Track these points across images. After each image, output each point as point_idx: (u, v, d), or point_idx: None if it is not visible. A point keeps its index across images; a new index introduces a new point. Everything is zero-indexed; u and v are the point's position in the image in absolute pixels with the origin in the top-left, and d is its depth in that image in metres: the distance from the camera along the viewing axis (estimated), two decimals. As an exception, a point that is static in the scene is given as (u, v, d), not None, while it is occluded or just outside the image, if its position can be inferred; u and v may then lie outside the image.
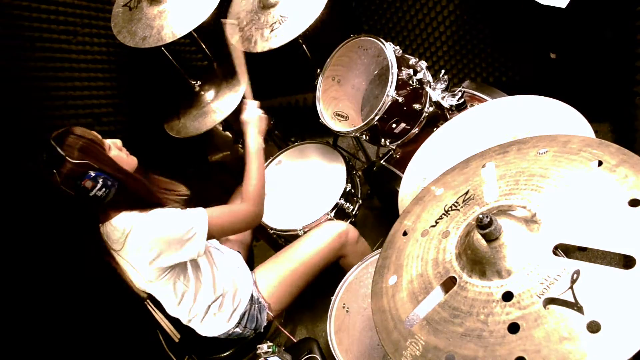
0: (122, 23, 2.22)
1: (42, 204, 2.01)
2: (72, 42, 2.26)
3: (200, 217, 1.67)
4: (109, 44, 2.43)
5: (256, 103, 2.03)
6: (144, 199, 1.67)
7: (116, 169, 1.60)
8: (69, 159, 1.49)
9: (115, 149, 1.66)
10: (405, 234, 1.24)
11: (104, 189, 1.53)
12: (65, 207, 1.61)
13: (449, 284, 1.04)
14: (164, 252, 1.60)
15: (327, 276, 2.08)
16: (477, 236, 1.01)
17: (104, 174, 1.53)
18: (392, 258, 1.20)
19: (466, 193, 1.19)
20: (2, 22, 1.96)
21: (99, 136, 1.63)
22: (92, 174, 1.50)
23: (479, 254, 1.00)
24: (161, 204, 1.69)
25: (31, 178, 1.95)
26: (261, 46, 2.14)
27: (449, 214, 1.18)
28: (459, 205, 1.18)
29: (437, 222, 1.19)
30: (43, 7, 2.11)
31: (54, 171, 1.49)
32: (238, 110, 2.59)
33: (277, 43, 2.10)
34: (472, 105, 1.99)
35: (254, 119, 1.97)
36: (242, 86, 2.07)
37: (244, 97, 2.06)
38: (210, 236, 1.68)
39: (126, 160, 1.69)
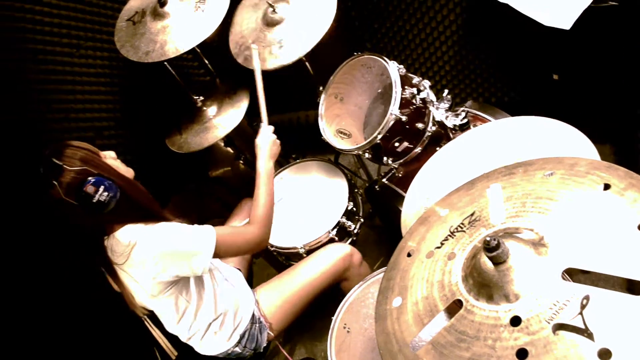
0: (125, 37, 2.23)
1: (41, 217, 2.00)
2: (75, 55, 2.26)
3: (208, 235, 1.65)
4: (111, 57, 2.43)
5: (271, 128, 2.04)
6: (146, 209, 1.66)
7: (115, 174, 1.59)
8: (67, 167, 1.47)
9: (111, 159, 1.65)
10: (409, 255, 1.22)
11: (106, 194, 1.50)
12: (69, 220, 1.59)
13: (455, 307, 1.02)
14: (169, 267, 1.58)
15: (327, 296, 2.06)
16: (484, 259, 1.00)
17: (105, 179, 1.52)
18: (396, 279, 1.19)
19: (472, 214, 1.18)
20: (5, 35, 1.96)
21: (94, 147, 1.63)
22: (92, 179, 1.49)
23: (486, 277, 0.99)
24: (163, 217, 1.67)
25: (32, 189, 1.94)
26: (271, 63, 2.14)
27: (455, 236, 1.16)
28: (465, 226, 1.16)
29: (442, 244, 1.17)
30: (47, 19, 2.11)
31: (54, 182, 1.47)
32: (244, 130, 2.61)
33: (287, 60, 2.12)
34: (475, 126, 1.99)
35: (268, 143, 1.98)
36: (264, 122, 2.07)
37: (260, 121, 2.07)
38: (215, 255, 1.65)
39: (123, 169, 1.68)
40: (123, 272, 1.62)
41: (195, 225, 1.67)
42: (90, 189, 1.48)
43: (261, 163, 1.94)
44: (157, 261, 1.56)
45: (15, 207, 1.96)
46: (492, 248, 0.96)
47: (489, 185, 1.21)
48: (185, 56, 2.83)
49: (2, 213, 1.93)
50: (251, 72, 2.18)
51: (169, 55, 2.11)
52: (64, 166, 1.47)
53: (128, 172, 1.71)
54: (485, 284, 0.99)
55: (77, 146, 1.55)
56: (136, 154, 1.74)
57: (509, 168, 1.22)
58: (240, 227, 1.97)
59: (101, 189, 1.49)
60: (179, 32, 2.15)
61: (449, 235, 1.18)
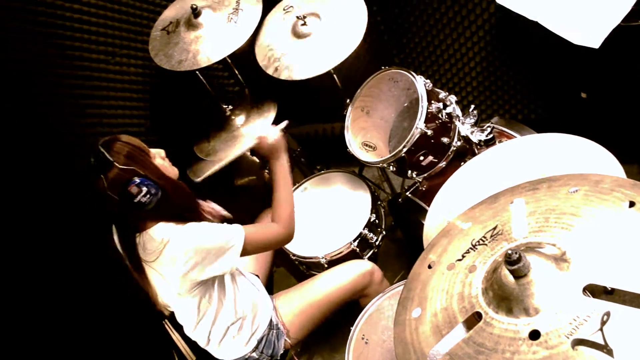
0: (159, 46, 2.29)
1: (67, 217, 2.05)
2: (110, 62, 2.33)
3: (237, 232, 1.69)
4: (145, 65, 2.49)
5: (268, 124, 2.07)
6: (184, 210, 1.70)
7: (161, 176, 1.63)
8: (117, 164, 1.52)
9: (159, 158, 1.69)
10: (430, 267, 1.23)
11: (148, 196, 1.55)
12: (108, 212, 1.64)
13: (474, 319, 1.02)
14: (200, 264, 1.61)
15: (346, 307, 2.07)
16: (505, 272, 1.00)
17: (149, 181, 1.56)
18: (416, 290, 1.19)
19: (494, 228, 1.18)
20: (43, 40, 2.03)
21: (144, 144, 1.67)
22: (137, 180, 1.53)
23: (506, 291, 0.99)
24: (199, 218, 1.71)
25: (62, 188, 2.00)
26: (298, 74, 2.19)
27: (477, 249, 1.17)
28: (487, 240, 1.17)
29: (463, 256, 1.17)
30: (85, 27, 2.18)
31: (102, 176, 1.52)
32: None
33: (315, 72, 2.15)
34: (500, 142, 1.99)
35: (274, 140, 1.96)
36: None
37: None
38: (244, 251, 1.69)
39: (170, 169, 1.72)
40: (152, 269, 1.66)
41: (225, 224, 1.71)
42: (134, 189, 1.52)
43: (273, 163, 1.96)
44: (189, 258, 1.59)
45: (42, 207, 2.01)
46: (513, 261, 0.96)
47: (512, 199, 1.22)
48: (216, 66, 2.90)
49: (29, 212, 1.99)
50: (279, 82, 2.23)
51: (201, 64, 2.16)
52: (114, 162, 1.52)
53: (173, 172, 1.75)
54: (506, 297, 0.99)
55: (125, 141, 1.59)
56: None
57: (533, 183, 1.22)
58: (265, 224, 2.00)
59: (144, 190, 1.54)
60: (212, 43, 2.20)
61: (471, 248, 1.18)
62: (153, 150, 1.69)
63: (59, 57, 2.10)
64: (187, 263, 1.59)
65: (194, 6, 2.22)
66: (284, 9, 2.40)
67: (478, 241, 1.18)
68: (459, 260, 1.18)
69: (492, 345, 0.95)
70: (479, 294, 1.06)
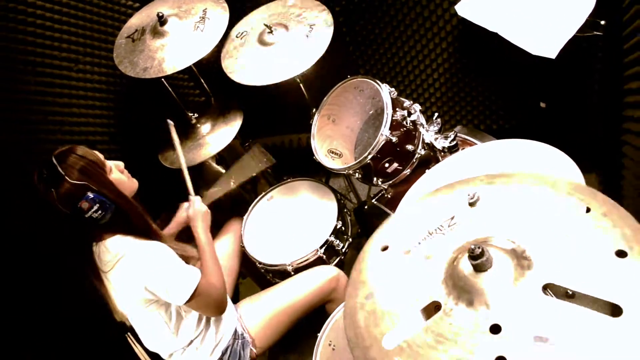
0: (124, 53, 2.28)
1: (25, 223, 2.00)
2: (74, 69, 2.30)
3: (192, 275, 1.64)
4: (109, 73, 2.47)
5: (199, 198, 2.05)
6: (138, 226, 1.66)
7: (115, 192, 1.60)
8: (68, 179, 1.49)
9: (116, 171, 1.66)
10: (385, 249, 1.22)
11: (100, 211, 1.52)
12: (59, 225, 1.60)
13: (433, 308, 1.02)
14: (149, 286, 1.58)
15: (313, 313, 2.06)
16: (466, 265, 1.01)
17: (102, 197, 1.53)
18: (368, 272, 1.18)
19: (452, 218, 1.18)
20: (5, 45, 2.00)
21: (101, 157, 1.64)
22: (91, 195, 1.51)
23: (467, 283, 0.99)
24: (155, 236, 1.68)
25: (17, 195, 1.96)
26: (264, 79, 2.19)
27: (433, 236, 1.16)
28: (444, 229, 1.17)
29: (420, 243, 1.17)
30: (48, 33, 2.16)
31: (52, 190, 1.49)
32: (236, 150, 2.63)
33: (279, 78, 2.16)
34: (463, 149, 2.03)
35: (200, 215, 1.96)
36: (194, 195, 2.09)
37: (188, 193, 2.08)
38: (189, 301, 1.62)
39: (127, 183, 1.70)
40: (107, 280, 1.63)
41: (184, 264, 1.67)
42: (84, 205, 1.50)
43: (201, 237, 1.90)
44: (140, 278, 1.57)
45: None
46: (476, 256, 0.97)
47: (467, 190, 1.22)
48: (181, 76, 2.89)
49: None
50: (246, 93, 2.23)
51: (167, 72, 2.15)
52: (65, 177, 1.49)
53: (132, 185, 1.74)
54: (467, 290, 0.99)
55: (80, 155, 1.56)
56: (128, 168, 1.75)
57: (490, 177, 1.23)
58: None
59: (96, 206, 1.51)
60: (178, 50, 2.20)
61: (427, 236, 1.17)
62: (111, 163, 1.67)
63: (20, 62, 2.07)
64: (138, 283, 1.57)
65: (160, 14, 2.22)
66: (237, 36, 2.40)
67: (435, 230, 1.18)
68: (416, 246, 1.17)
69: (452, 336, 0.95)
70: (439, 283, 1.06)
